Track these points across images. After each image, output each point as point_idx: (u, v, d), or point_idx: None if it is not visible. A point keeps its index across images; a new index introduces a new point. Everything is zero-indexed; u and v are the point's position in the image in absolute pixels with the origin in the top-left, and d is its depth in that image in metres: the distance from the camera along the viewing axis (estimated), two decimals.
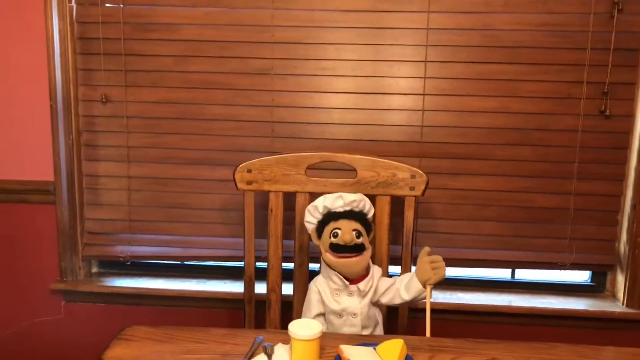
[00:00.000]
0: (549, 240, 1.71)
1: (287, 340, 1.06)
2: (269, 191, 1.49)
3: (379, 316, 1.38)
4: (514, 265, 1.76)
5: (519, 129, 1.66)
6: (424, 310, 1.27)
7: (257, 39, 1.66)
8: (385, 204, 1.47)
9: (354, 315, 1.31)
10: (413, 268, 1.31)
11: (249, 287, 1.53)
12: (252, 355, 1.08)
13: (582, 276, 1.85)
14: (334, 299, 1.31)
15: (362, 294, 1.30)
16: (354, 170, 1.47)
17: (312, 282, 1.37)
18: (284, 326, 1.09)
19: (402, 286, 1.30)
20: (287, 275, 1.54)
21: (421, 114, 1.67)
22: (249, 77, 1.68)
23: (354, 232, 1.26)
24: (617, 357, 1.15)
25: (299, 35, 1.65)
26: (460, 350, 1.12)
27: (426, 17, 1.62)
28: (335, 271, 1.29)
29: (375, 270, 1.34)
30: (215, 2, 1.65)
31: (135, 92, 1.72)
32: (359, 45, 1.65)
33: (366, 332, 1.33)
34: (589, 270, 1.80)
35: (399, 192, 1.47)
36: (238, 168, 1.48)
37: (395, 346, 1.04)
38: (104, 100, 1.72)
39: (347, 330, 1.31)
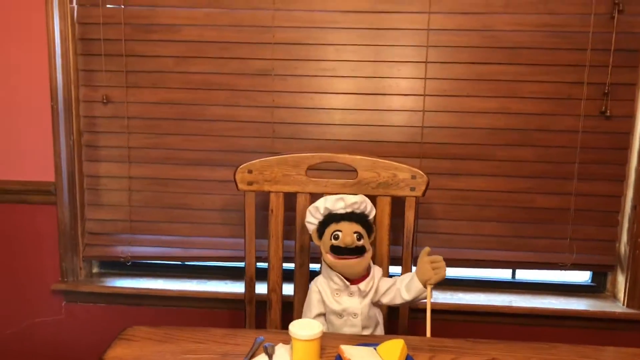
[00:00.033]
0: (550, 240, 1.71)
1: (287, 340, 1.07)
2: (270, 192, 1.49)
3: (379, 316, 1.38)
4: (514, 265, 1.77)
5: (520, 129, 1.66)
6: (425, 310, 1.27)
7: (258, 39, 1.66)
8: (385, 204, 1.47)
9: (355, 315, 1.31)
10: (414, 268, 1.31)
11: (250, 287, 1.53)
12: (253, 356, 1.08)
13: (582, 276, 1.86)
14: (334, 299, 1.31)
15: (363, 295, 1.31)
16: (355, 170, 1.47)
17: (312, 282, 1.37)
18: (285, 326, 1.09)
19: (402, 286, 1.30)
20: (287, 276, 1.54)
21: (422, 114, 1.67)
22: (249, 78, 1.69)
23: (355, 235, 1.26)
24: (618, 357, 1.15)
25: (299, 36, 1.65)
26: (461, 350, 1.12)
27: (427, 18, 1.62)
28: (336, 272, 1.29)
29: (376, 271, 1.34)
30: (216, 3, 1.66)
31: (136, 92, 1.72)
32: (360, 46, 1.65)
33: (367, 332, 1.33)
34: (590, 270, 1.80)
35: (400, 193, 1.47)
36: (239, 169, 1.49)
37: (395, 346, 1.05)
38: (104, 101, 1.72)
39: (347, 330, 1.31)
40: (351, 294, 1.31)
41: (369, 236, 1.31)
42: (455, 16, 1.61)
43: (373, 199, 1.42)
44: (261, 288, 1.54)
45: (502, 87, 1.64)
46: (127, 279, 1.84)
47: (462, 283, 1.84)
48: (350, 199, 1.31)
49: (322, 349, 1.07)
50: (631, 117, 1.64)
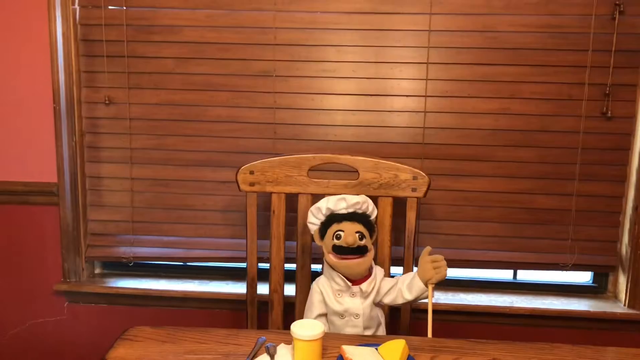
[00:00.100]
0: (551, 241, 1.71)
1: (289, 340, 1.07)
2: (272, 192, 1.49)
3: (381, 317, 1.38)
4: (515, 266, 1.77)
5: (521, 130, 1.66)
6: (426, 310, 1.27)
7: (259, 40, 1.66)
8: (387, 205, 1.47)
9: (357, 316, 1.31)
10: (415, 269, 1.31)
11: (252, 288, 1.54)
12: (255, 356, 1.08)
13: (583, 277, 1.86)
14: (336, 299, 1.32)
15: (365, 295, 1.31)
16: (356, 171, 1.48)
17: (314, 283, 1.38)
18: (287, 327, 1.09)
19: (404, 286, 1.30)
20: (289, 276, 1.54)
21: (423, 115, 1.67)
22: (251, 79, 1.69)
23: (357, 234, 1.27)
24: (619, 358, 1.15)
25: (300, 37, 1.66)
26: (462, 350, 1.12)
27: (428, 19, 1.62)
28: (338, 272, 1.29)
29: (378, 271, 1.34)
30: (217, 4, 1.66)
31: (138, 94, 1.72)
32: (361, 47, 1.65)
33: (368, 332, 1.34)
34: (591, 271, 1.80)
35: (401, 194, 1.47)
36: (240, 169, 1.49)
37: (397, 346, 1.05)
38: (107, 102, 1.73)
39: (349, 331, 1.32)
40: (353, 294, 1.31)
41: (371, 236, 1.31)
42: (457, 17, 1.62)
43: (374, 199, 1.42)
44: (263, 289, 1.54)
45: (503, 88, 1.64)
46: (129, 280, 1.85)
47: (463, 284, 1.84)
48: (352, 199, 1.31)
49: (324, 349, 1.07)
50: (632, 117, 1.64)
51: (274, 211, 1.49)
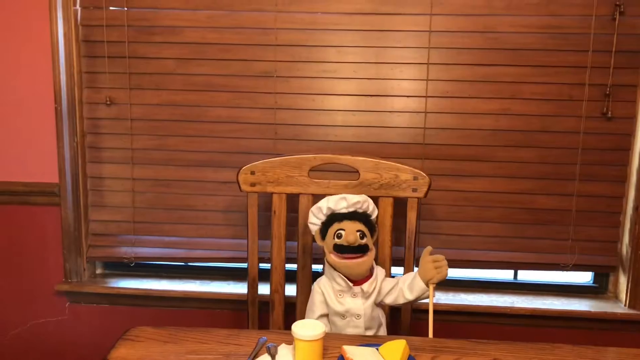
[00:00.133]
0: (552, 241, 1.71)
1: (290, 340, 1.07)
2: (272, 193, 1.49)
3: (382, 317, 1.38)
4: (516, 266, 1.77)
5: (521, 130, 1.66)
6: (427, 311, 1.27)
7: (260, 41, 1.67)
8: (387, 205, 1.48)
9: (358, 316, 1.31)
10: (416, 269, 1.31)
11: (253, 288, 1.54)
12: (256, 356, 1.08)
13: (584, 277, 1.86)
14: (337, 300, 1.32)
15: (366, 295, 1.31)
16: (357, 172, 1.48)
17: (315, 283, 1.38)
18: (287, 327, 1.10)
19: (405, 286, 1.30)
20: (290, 277, 1.55)
21: (424, 115, 1.68)
22: (251, 80, 1.69)
23: (358, 233, 1.27)
24: (620, 358, 1.15)
25: (301, 37, 1.66)
26: (463, 350, 1.13)
27: (429, 20, 1.62)
28: (339, 272, 1.30)
29: (379, 272, 1.34)
30: (218, 5, 1.66)
31: (139, 94, 1.73)
32: (362, 47, 1.65)
33: (369, 333, 1.34)
34: (591, 271, 1.81)
35: (402, 194, 1.47)
36: (241, 170, 1.49)
37: (397, 347, 1.05)
38: (108, 102, 1.73)
39: (350, 331, 1.32)
40: (354, 295, 1.31)
41: (372, 236, 1.32)
42: (457, 18, 1.62)
43: (375, 200, 1.42)
44: (264, 289, 1.54)
45: (504, 89, 1.64)
46: (130, 280, 1.85)
47: (464, 284, 1.84)
48: (353, 198, 1.31)
49: (325, 350, 1.07)
50: (632, 118, 1.64)
51: (274, 211, 1.50)
